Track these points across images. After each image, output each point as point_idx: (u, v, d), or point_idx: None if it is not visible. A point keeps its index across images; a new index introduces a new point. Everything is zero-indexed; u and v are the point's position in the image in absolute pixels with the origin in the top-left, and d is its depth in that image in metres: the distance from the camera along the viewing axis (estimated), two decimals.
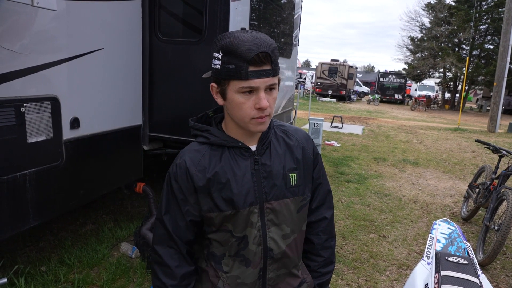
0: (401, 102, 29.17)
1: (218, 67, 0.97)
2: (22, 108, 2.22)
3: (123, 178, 3.40)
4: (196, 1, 3.38)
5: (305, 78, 18.87)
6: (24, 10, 2.18)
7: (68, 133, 2.56)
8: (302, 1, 6.26)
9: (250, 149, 1.08)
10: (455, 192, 5.82)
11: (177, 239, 1.09)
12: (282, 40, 5.14)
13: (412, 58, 29.67)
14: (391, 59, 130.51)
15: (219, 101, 1.04)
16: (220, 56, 0.96)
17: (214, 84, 1.03)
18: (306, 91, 25.13)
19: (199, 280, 1.16)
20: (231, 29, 3.19)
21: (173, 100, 3.44)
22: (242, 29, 1.05)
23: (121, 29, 3.02)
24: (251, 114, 0.99)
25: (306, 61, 78.71)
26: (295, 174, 1.12)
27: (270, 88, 0.99)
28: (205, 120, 1.16)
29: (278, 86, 1.03)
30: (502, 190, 3.74)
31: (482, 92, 30.31)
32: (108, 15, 2.86)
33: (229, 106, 1.02)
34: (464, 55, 24.16)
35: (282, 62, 5.07)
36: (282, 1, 5.07)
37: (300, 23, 6.37)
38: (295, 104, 7.38)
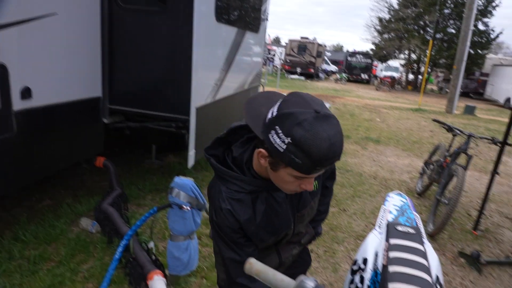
0: (367, 82, 29.83)
1: (281, 150, 0.88)
2: None
3: (82, 152, 3.28)
4: None
5: (274, 55, 18.76)
6: None
7: (18, 103, 2.41)
8: None
9: None
10: (412, 169, 6.12)
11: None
12: (251, 14, 5.04)
13: (380, 39, 30.21)
14: (359, 39, 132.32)
15: (263, 163, 0.99)
16: (287, 142, 0.87)
17: (264, 153, 0.96)
18: (275, 67, 25.06)
19: None
20: (196, 2, 3.05)
21: (135, 71, 3.32)
22: (317, 112, 0.88)
23: None
24: (293, 189, 1.03)
25: (276, 37, 78.00)
26: (316, 182, 1.26)
27: None
28: (219, 147, 1.15)
29: None
30: (453, 167, 3.98)
31: (443, 74, 31.57)
32: None
33: (273, 176, 1.01)
34: (428, 38, 24.89)
35: (250, 37, 4.98)
36: None
37: None
38: (263, 80, 7.35)
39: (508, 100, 20.25)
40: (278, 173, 0.97)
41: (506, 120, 13.18)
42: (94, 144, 3.35)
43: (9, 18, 2.27)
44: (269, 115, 0.93)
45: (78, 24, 2.87)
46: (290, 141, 0.86)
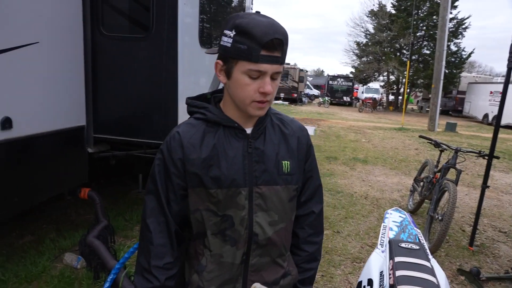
0: (349, 104, 30.44)
1: (229, 45, 0.95)
2: None
3: (66, 183, 3.15)
4: None
5: None
6: None
7: None
8: (252, 4, 6.27)
9: (245, 131, 1.07)
10: (401, 187, 6.13)
11: (168, 213, 1.08)
12: None
13: (359, 62, 31.17)
14: (339, 63, 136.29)
15: (222, 79, 1.03)
16: (232, 35, 0.94)
17: (220, 62, 1.01)
18: None
19: (186, 256, 1.17)
20: (180, 26, 3.08)
21: (120, 99, 3.26)
22: (257, 12, 1.01)
23: (59, 22, 2.80)
24: (253, 96, 0.99)
25: None
26: (288, 162, 1.11)
27: (275, 75, 0.99)
28: (202, 101, 1.14)
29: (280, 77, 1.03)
30: (444, 182, 3.98)
31: (421, 94, 32.55)
32: (44, 7, 2.63)
33: (232, 86, 1.01)
34: (405, 60, 25.79)
35: None
36: (233, 4, 5.03)
37: None
38: None
39: (486, 116, 20.91)
40: (234, 78, 0.99)
41: (487, 135, 13.40)
42: (78, 175, 3.23)
43: None
44: None
45: (60, 53, 2.82)
46: (234, 32, 0.94)
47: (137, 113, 3.23)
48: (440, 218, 3.69)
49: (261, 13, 1.02)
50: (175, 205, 1.08)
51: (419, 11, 25.89)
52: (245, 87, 0.98)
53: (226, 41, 0.96)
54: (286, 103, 26.26)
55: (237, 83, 0.99)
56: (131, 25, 3.37)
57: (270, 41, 0.92)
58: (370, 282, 1.35)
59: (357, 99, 31.78)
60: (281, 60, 0.97)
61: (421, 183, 4.75)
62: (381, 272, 1.34)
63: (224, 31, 0.97)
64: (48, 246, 3.27)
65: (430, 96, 17.47)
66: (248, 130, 1.08)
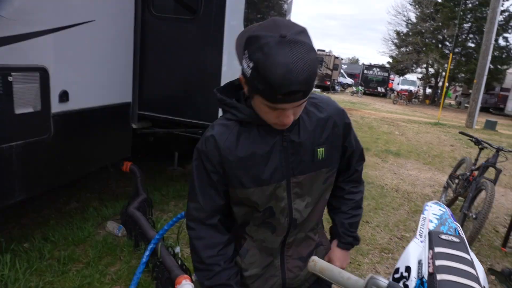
0: (383, 95, 29.60)
1: (248, 75, 0.88)
2: (9, 77, 2.13)
3: (111, 156, 3.35)
4: None
5: None
6: None
7: (56, 106, 2.49)
8: None
9: None
10: (434, 183, 6.00)
11: (210, 211, 1.10)
12: None
13: (397, 52, 30.05)
14: (375, 52, 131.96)
15: (246, 90, 0.98)
16: (251, 66, 0.86)
17: (242, 78, 0.95)
18: None
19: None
20: (227, 10, 3.12)
21: (165, 78, 3.38)
22: (282, 37, 0.84)
23: (113, 2, 2.93)
24: (273, 122, 0.98)
25: None
26: (322, 149, 1.11)
27: (298, 106, 0.95)
28: (230, 90, 1.10)
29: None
30: (481, 181, 3.89)
31: (461, 89, 31.12)
32: None
33: (254, 106, 0.99)
34: (447, 52, 24.63)
35: None
36: None
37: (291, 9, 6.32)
38: None
39: None
40: (254, 101, 0.96)
41: None
42: (122, 149, 3.41)
43: (53, 24, 2.36)
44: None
45: (113, 31, 2.96)
46: (253, 65, 0.85)
47: (181, 92, 3.35)
48: (474, 216, 3.63)
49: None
50: (218, 200, 1.10)
51: (468, 1, 24.49)
52: (264, 114, 0.96)
53: (246, 69, 0.89)
54: (319, 90, 25.91)
55: (257, 107, 0.97)
56: (180, 7, 3.46)
57: (286, 92, 0.85)
58: (408, 269, 1.39)
59: (392, 90, 30.82)
60: (304, 95, 0.89)
61: (456, 180, 4.65)
62: (420, 260, 1.38)
63: (246, 52, 0.88)
64: (92, 214, 3.50)
65: (470, 91, 16.69)
66: None
